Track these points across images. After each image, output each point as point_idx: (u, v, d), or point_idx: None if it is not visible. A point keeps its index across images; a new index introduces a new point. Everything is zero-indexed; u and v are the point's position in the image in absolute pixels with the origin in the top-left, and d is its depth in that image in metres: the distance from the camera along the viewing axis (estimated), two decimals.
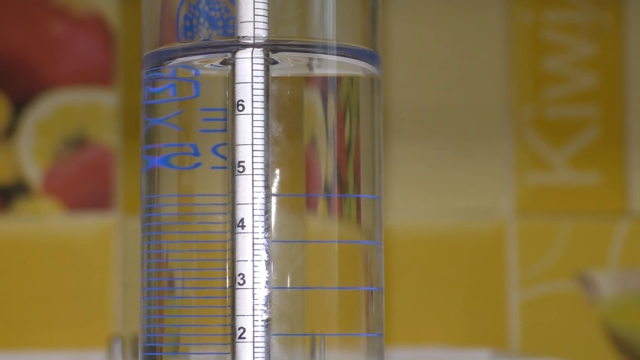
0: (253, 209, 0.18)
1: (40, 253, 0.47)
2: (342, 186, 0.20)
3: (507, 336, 0.48)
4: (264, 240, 0.18)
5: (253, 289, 0.18)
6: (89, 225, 0.47)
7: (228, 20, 0.19)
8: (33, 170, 0.47)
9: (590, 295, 0.48)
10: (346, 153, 0.21)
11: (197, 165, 0.20)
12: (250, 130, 0.18)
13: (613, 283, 0.48)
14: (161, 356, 0.20)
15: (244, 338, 0.18)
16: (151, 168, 0.21)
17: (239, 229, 0.18)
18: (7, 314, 0.47)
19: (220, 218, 0.19)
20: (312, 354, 0.20)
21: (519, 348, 0.49)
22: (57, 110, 0.49)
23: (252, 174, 0.18)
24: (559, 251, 0.48)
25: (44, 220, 0.48)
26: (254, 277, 0.18)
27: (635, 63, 0.49)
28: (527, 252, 0.48)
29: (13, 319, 0.47)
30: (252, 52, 0.19)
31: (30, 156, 0.47)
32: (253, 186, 0.18)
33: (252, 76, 0.18)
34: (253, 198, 0.18)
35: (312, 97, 0.21)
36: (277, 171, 0.19)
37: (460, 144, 0.50)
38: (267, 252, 0.18)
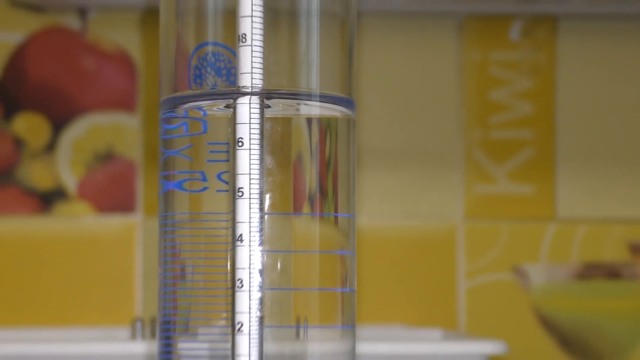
0: (250, 227, 0.19)
1: (75, 248, 0.49)
2: (322, 207, 0.21)
3: (456, 318, 0.50)
4: (258, 253, 0.19)
5: (249, 291, 0.19)
6: (115, 224, 0.49)
7: (230, 69, 0.20)
8: (70, 179, 0.48)
9: (524, 285, 0.50)
10: (326, 180, 0.22)
11: (205, 189, 0.21)
12: (248, 163, 0.19)
13: (542, 274, 0.50)
14: (175, 336, 0.22)
15: (242, 331, 0.19)
16: (167, 191, 0.21)
17: (239, 243, 0.19)
18: (49, 298, 0.50)
19: (223, 232, 0.20)
20: (297, 337, 0.21)
21: (465, 328, 0.50)
22: (89, 130, 0.50)
23: (249, 198, 0.19)
24: (499, 248, 0.50)
25: (78, 221, 0.49)
26: (250, 282, 0.19)
27: (564, 95, 0.51)
28: (473, 249, 0.50)
29: (53, 302, 0.49)
30: (250, 99, 0.19)
31: (67, 168, 0.48)
32: (250, 208, 0.19)
33: (250, 118, 0.19)
34: (250, 218, 0.19)
35: (299, 134, 0.22)
36: (270, 195, 0.20)
37: (421, 161, 0.51)
38: (261, 263, 0.19)
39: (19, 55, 0.48)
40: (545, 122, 0.51)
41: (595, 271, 0.50)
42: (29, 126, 0.48)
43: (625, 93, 0.53)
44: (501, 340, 0.37)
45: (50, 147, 0.48)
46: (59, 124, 0.48)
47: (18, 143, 0.48)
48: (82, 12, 0.48)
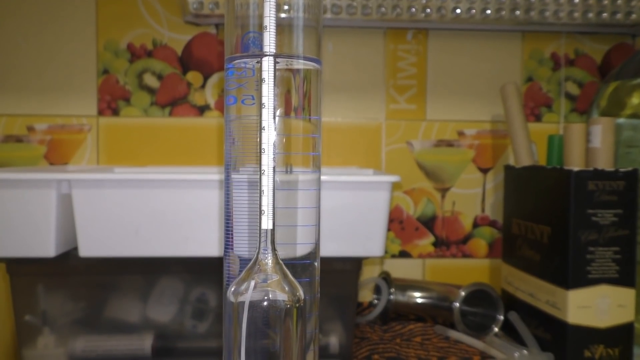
0: (268, 121, 0.24)
1: (211, 129, 0.66)
2: (303, 111, 0.27)
3: (381, 165, 0.68)
4: (274, 133, 0.24)
5: (267, 152, 0.25)
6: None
7: (261, 44, 0.25)
8: (211, 101, 0.67)
9: (411, 149, 0.68)
10: (304, 98, 0.26)
11: (253, 104, 0.26)
12: (267, 90, 0.24)
13: (419, 145, 0.68)
14: (230, 171, 0.28)
15: (264, 173, 0.25)
16: (234, 104, 0.27)
17: (263, 129, 0.25)
18: (201, 150, 0.65)
19: (254, 120, 0.26)
20: (287, 172, 0.27)
21: (384, 170, 0.68)
22: (219, 79, 0.65)
23: (268, 108, 0.25)
24: (400, 133, 0.68)
25: (214, 119, 0.66)
26: (268, 145, 0.25)
27: (430, 65, 0.68)
28: (388, 133, 0.68)
29: (206, 152, 0.65)
30: (269, 58, 0.25)
31: (210, 96, 0.67)
32: (268, 112, 0.25)
33: (268, 68, 0.25)
34: (268, 117, 0.25)
35: (291, 76, 0.26)
36: (277, 107, 0.25)
37: (368, 93, 0.67)
38: (275, 138, 0.25)
39: (188, 45, 0.66)
40: (421, 77, 0.68)
41: (442, 143, 0.69)
42: (193, 77, 0.66)
43: (455, 64, 0.69)
44: (398, 175, 0.46)
45: (202, 86, 0.67)
46: (206, 76, 0.67)
47: (189, 84, 0.66)
48: (217, 25, 0.66)
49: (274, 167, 0.25)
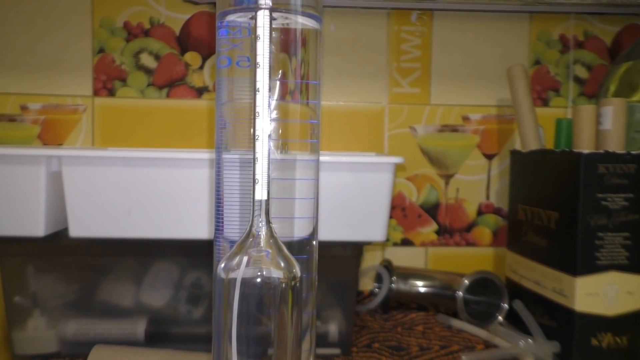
0: (262, 82, 0.23)
1: (207, 111, 0.66)
2: (301, 77, 0.25)
3: (383, 149, 0.67)
4: (268, 95, 0.23)
5: (262, 115, 0.23)
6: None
7: None
8: (209, 82, 0.66)
9: (414, 134, 0.68)
10: (302, 62, 0.24)
11: (248, 66, 0.24)
12: (262, 49, 0.23)
13: (422, 129, 0.67)
14: (222, 150, 0.26)
15: (258, 138, 0.23)
16: (227, 66, 0.25)
17: (257, 93, 0.23)
18: (199, 130, 0.64)
19: (247, 92, 0.25)
20: (282, 152, 0.26)
21: (387, 153, 0.67)
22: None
23: (263, 68, 0.23)
24: (403, 117, 0.67)
25: (212, 101, 0.65)
26: (262, 109, 0.23)
27: (435, 47, 0.67)
28: (391, 117, 0.67)
29: (203, 132, 0.65)
30: (264, 12, 0.23)
31: (208, 77, 0.66)
32: (263, 74, 0.23)
33: (264, 24, 0.23)
34: (263, 81, 0.23)
35: (288, 37, 0.25)
36: (273, 69, 0.23)
37: (369, 76, 0.66)
38: (269, 108, 0.23)
39: (187, 24, 0.65)
40: (425, 60, 0.67)
41: (446, 128, 0.68)
42: (191, 57, 0.65)
43: (460, 46, 0.67)
44: (402, 157, 0.45)
45: (201, 67, 0.66)
46: (205, 57, 0.66)
47: (187, 65, 0.65)
48: (214, 4, 0.64)
49: (269, 134, 0.24)
